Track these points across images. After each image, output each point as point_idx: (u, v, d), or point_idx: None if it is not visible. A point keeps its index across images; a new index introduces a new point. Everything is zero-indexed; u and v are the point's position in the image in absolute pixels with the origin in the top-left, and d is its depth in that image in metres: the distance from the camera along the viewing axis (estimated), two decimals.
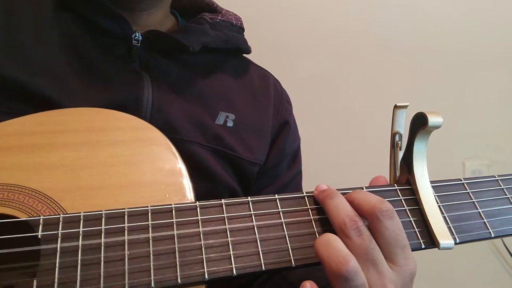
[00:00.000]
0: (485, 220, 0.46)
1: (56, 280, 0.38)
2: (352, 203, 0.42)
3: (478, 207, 0.47)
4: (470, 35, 1.32)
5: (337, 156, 1.27)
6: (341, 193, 0.44)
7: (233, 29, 0.71)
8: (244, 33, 0.75)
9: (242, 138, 0.64)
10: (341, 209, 0.41)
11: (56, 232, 0.40)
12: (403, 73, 1.31)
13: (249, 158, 0.64)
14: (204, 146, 0.60)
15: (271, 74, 0.77)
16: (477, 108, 1.36)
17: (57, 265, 0.38)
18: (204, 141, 0.61)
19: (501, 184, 0.49)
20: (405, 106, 0.46)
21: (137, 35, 0.60)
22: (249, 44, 0.74)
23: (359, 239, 0.39)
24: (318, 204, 0.45)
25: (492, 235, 0.45)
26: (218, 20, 0.69)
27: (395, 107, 0.47)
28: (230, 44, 0.69)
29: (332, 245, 0.39)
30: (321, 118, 1.28)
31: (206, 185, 0.57)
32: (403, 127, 0.47)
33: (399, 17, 1.30)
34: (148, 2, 0.64)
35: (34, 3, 0.59)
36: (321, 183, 0.46)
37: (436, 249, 0.44)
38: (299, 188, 0.75)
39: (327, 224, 0.44)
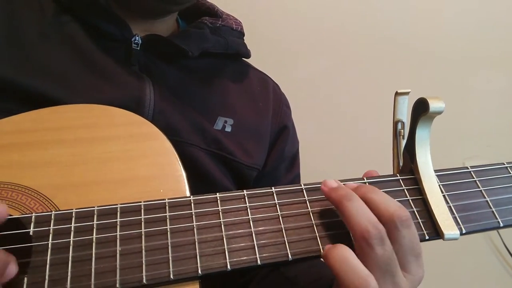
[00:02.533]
0: (494, 209, 0.42)
1: (47, 277, 0.36)
2: (368, 205, 0.38)
3: (486, 196, 0.43)
4: (470, 35, 1.29)
5: (337, 157, 1.24)
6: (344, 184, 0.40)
7: (233, 33, 0.69)
8: (244, 35, 0.72)
9: (240, 143, 0.62)
10: (362, 215, 0.37)
11: (47, 228, 0.38)
12: (403, 73, 1.28)
13: (248, 162, 0.62)
14: (203, 149, 0.58)
15: (270, 78, 0.74)
16: (477, 108, 1.32)
17: (48, 261, 0.36)
18: (203, 145, 0.58)
19: (511, 171, 0.45)
20: (407, 93, 0.43)
21: (136, 38, 0.59)
22: (248, 45, 0.72)
23: (381, 249, 0.36)
24: (316, 196, 0.42)
25: (501, 225, 0.41)
26: (218, 25, 0.67)
27: (396, 94, 0.43)
28: (229, 49, 0.67)
29: (350, 264, 0.35)
30: (321, 118, 1.25)
31: (204, 188, 0.54)
32: (405, 115, 0.44)
33: (399, 17, 1.27)
34: (165, 13, 0.63)
35: (35, 6, 0.57)
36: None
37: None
38: None
39: (325, 216, 0.40)
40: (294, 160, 0.72)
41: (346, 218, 0.37)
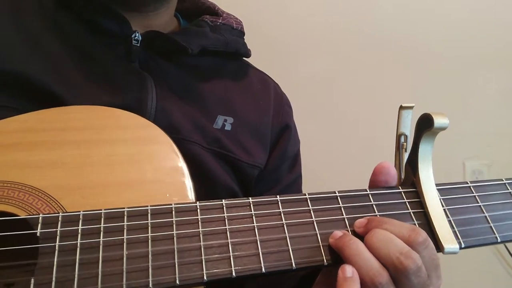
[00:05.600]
0: (492, 225, 0.43)
1: (53, 278, 0.36)
2: (384, 235, 0.39)
3: (484, 211, 0.44)
4: (470, 35, 1.30)
5: (337, 158, 1.25)
6: (344, 196, 0.41)
7: (234, 32, 0.69)
8: (245, 35, 0.73)
9: (240, 142, 0.62)
10: (393, 245, 0.38)
11: (55, 230, 0.38)
12: (403, 73, 1.28)
13: (249, 161, 0.62)
14: (205, 147, 0.59)
15: (271, 78, 0.75)
16: (477, 108, 1.33)
17: (55, 263, 0.37)
18: (204, 143, 0.59)
19: (509, 188, 0.46)
20: (411, 107, 0.44)
21: (136, 35, 0.59)
22: (248, 44, 0.72)
23: (416, 278, 0.37)
24: (320, 205, 0.43)
25: (499, 240, 0.42)
26: (218, 23, 0.68)
27: (401, 107, 0.44)
28: (229, 48, 0.67)
29: (364, 257, 0.38)
30: (321, 119, 1.25)
31: (206, 186, 0.55)
32: (409, 128, 0.45)
33: (399, 18, 1.27)
34: (156, 4, 0.62)
35: (35, 4, 0.57)
36: (323, 187, 0.44)
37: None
38: (299, 192, 0.72)
39: (328, 226, 0.42)
40: (295, 160, 0.72)
41: (376, 251, 0.39)
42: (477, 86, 1.32)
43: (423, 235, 0.39)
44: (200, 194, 0.45)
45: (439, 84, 1.30)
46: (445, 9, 1.28)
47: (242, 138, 0.63)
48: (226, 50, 0.67)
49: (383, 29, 1.26)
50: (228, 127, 0.62)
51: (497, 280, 1.32)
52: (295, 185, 0.71)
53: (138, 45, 0.59)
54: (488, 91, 1.33)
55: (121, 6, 0.59)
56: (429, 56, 1.29)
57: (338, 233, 0.41)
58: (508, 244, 1.28)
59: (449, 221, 0.43)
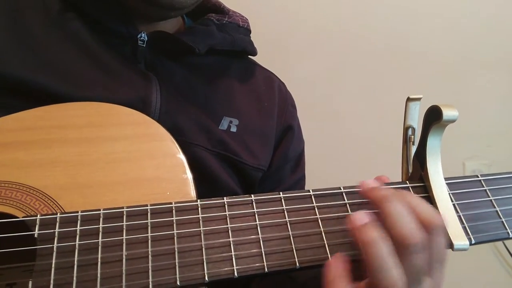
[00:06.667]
0: (503, 220, 0.40)
1: (52, 281, 0.34)
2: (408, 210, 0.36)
3: (495, 206, 0.41)
4: (470, 35, 1.28)
5: (341, 157, 1.23)
6: (350, 192, 0.39)
7: (240, 31, 0.67)
8: (251, 33, 0.70)
9: (245, 143, 0.61)
10: (404, 219, 0.35)
11: (52, 231, 0.37)
12: (403, 73, 1.27)
13: (253, 163, 0.60)
14: (209, 150, 0.57)
15: (276, 77, 0.73)
16: (477, 108, 1.31)
17: (53, 265, 0.35)
18: (209, 145, 0.57)
19: None
20: (419, 99, 0.42)
21: (142, 35, 0.57)
22: None
23: (417, 258, 0.35)
24: (325, 202, 0.40)
25: (510, 236, 0.40)
26: (225, 22, 0.66)
27: (408, 99, 0.42)
28: (236, 46, 0.65)
29: (381, 254, 0.34)
30: (324, 118, 1.23)
31: (209, 189, 0.53)
32: (416, 121, 0.43)
33: (399, 18, 1.26)
34: (163, 18, 0.61)
35: (39, 5, 0.56)
36: (326, 183, 0.41)
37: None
38: None
39: (334, 223, 0.39)
40: (299, 161, 0.70)
41: (387, 220, 0.36)
42: (477, 86, 1.30)
43: (442, 220, 0.36)
44: (203, 197, 0.42)
45: (439, 84, 1.28)
46: (445, 9, 1.26)
47: (248, 140, 0.61)
48: (233, 49, 0.65)
49: (385, 30, 1.25)
50: (233, 128, 0.60)
51: (497, 280, 1.29)
52: (298, 186, 0.69)
53: (144, 45, 0.57)
54: (488, 91, 1.31)
55: (136, 14, 0.57)
56: (429, 56, 1.27)
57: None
58: (508, 244, 1.26)
59: (459, 217, 0.40)
